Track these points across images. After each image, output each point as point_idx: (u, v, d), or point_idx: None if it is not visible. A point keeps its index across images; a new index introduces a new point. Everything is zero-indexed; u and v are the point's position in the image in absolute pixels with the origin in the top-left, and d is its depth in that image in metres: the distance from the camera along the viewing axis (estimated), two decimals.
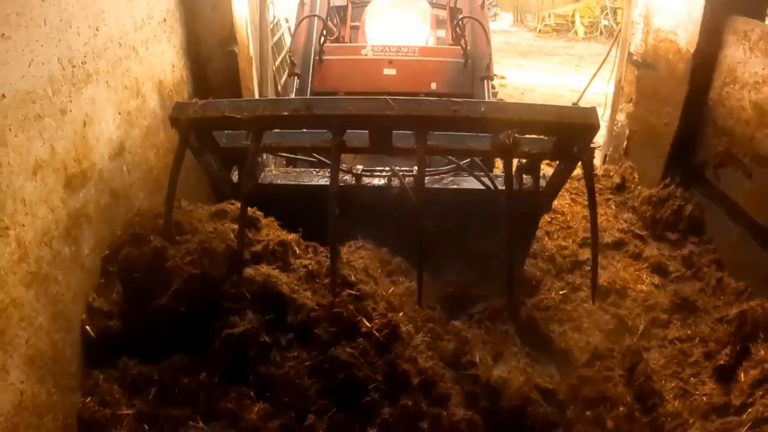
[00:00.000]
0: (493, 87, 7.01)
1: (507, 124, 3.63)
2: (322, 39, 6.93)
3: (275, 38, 10.15)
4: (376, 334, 3.63)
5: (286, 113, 3.72)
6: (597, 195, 7.39)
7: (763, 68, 5.45)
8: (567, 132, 3.83)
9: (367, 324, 3.65)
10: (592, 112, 3.65)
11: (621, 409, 3.93)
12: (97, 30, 3.83)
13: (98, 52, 3.85)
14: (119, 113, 4.16)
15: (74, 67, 3.55)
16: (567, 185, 7.73)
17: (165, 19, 5.06)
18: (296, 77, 6.66)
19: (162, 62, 5.02)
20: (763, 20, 6.15)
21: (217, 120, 3.83)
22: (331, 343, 3.59)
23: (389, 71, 6.81)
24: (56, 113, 3.35)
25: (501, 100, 6.61)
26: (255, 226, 4.15)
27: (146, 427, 3.42)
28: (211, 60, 5.86)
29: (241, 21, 6.21)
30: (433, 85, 6.82)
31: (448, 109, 3.65)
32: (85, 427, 3.39)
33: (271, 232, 4.16)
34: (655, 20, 7.12)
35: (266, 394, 3.50)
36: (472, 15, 7.32)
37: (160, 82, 4.92)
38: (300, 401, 3.47)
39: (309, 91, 6.68)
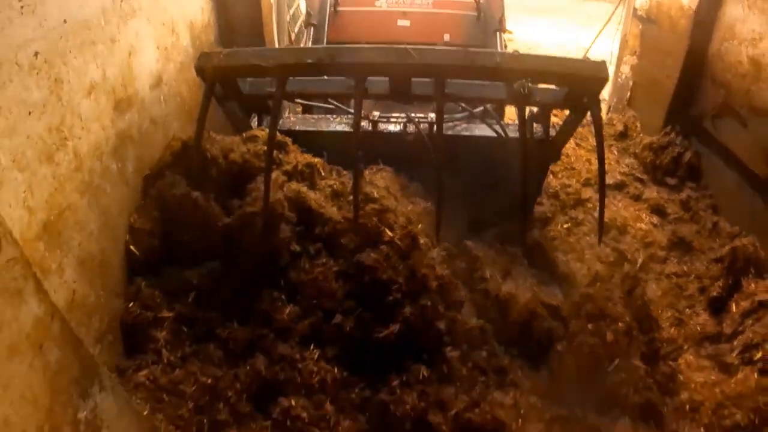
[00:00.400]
0: (505, 41, 7.05)
1: (522, 73, 3.83)
2: None
3: None
4: (398, 242, 3.93)
5: (310, 61, 3.84)
6: None
7: (760, 25, 5.68)
8: (578, 83, 4.04)
9: (389, 233, 3.95)
10: (602, 65, 3.85)
11: (620, 324, 4.15)
12: None
13: None
14: (158, 48, 4.48)
15: (122, 1, 3.86)
16: None
17: None
18: (312, 27, 6.74)
19: (193, 4, 5.32)
20: None
21: (244, 68, 4.04)
22: (356, 251, 3.92)
23: (403, 23, 6.87)
24: (107, 41, 3.67)
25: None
26: (284, 149, 4.46)
27: (185, 329, 3.77)
28: (235, 5, 6.11)
29: None
30: (447, 37, 6.86)
31: (467, 58, 3.83)
32: (128, 329, 3.71)
33: (298, 155, 4.47)
34: None
35: (296, 297, 3.84)
36: None
37: (191, 23, 5.22)
38: (328, 303, 3.81)
39: (324, 41, 6.70)
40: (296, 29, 9.07)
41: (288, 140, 4.58)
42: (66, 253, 3.17)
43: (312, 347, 3.76)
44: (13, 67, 2.74)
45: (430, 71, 3.99)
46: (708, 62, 6.56)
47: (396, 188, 4.66)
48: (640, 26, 7.85)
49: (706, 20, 6.48)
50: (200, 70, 3.92)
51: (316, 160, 4.50)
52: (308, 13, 6.83)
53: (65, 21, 3.18)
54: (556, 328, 4.22)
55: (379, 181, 4.57)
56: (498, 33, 6.76)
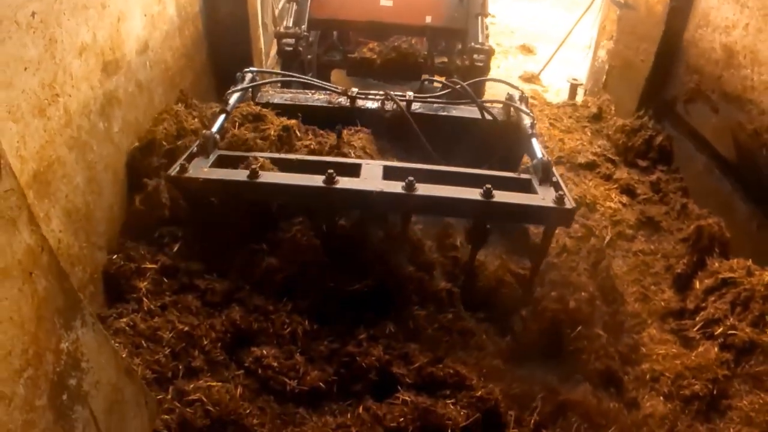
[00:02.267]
0: (486, 26, 7.11)
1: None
2: None
3: None
4: None
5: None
6: (574, 122, 7.85)
7: (734, 14, 5.89)
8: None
9: None
10: (571, 212, 4.07)
11: (583, 294, 4.30)
12: None
13: None
14: (145, 15, 4.66)
15: None
16: (547, 111, 8.21)
17: None
18: (294, 3, 6.79)
19: None
20: None
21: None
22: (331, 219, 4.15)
23: (386, 2, 6.94)
24: (98, 6, 3.86)
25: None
26: (262, 120, 4.63)
27: (165, 279, 3.96)
28: None
29: None
30: (428, 19, 6.97)
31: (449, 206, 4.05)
32: (110, 280, 3.90)
33: (274, 119, 4.67)
34: None
35: (276, 253, 4.02)
36: None
37: None
38: (304, 257, 4.00)
39: (306, 18, 6.75)
40: (279, 5, 9.15)
41: (266, 111, 4.74)
42: (53, 203, 3.34)
43: (285, 300, 3.94)
44: (12, 24, 2.91)
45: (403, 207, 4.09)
46: (682, 48, 6.77)
47: (372, 149, 4.78)
48: (618, 11, 8.05)
49: (681, 6, 6.71)
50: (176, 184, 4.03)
51: (292, 122, 4.64)
52: None
53: None
54: (522, 295, 4.39)
55: (357, 142, 4.69)
56: (480, 17, 6.86)
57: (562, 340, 4.16)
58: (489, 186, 3.91)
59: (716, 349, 4.26)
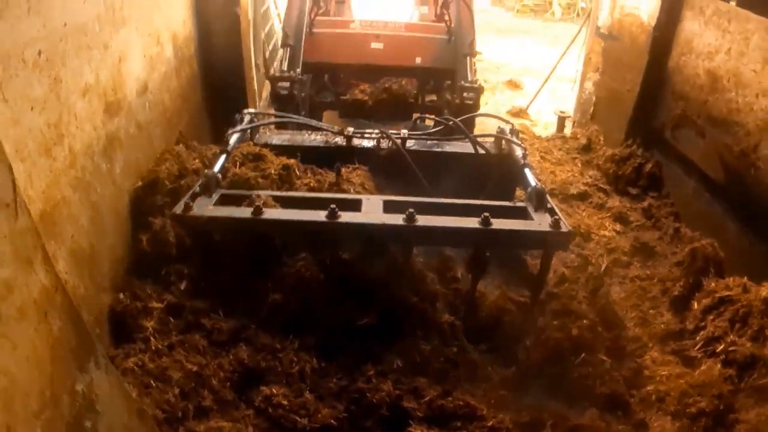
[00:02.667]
0: (474, 64, 7.25)
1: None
2: (313, 13, 7.17)
3: (263, 9, 10.46)
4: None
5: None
6: (564, 154, 7.93)
7: (716, 39, 6.03)
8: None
9: None
10: (569, 236, 4.23)
11: (585, 321, 4.33)
12: None
13: (131, 0, 4.40)
14: (144, 56, 4.70)
15: (114, 10, 4.10)
16: (537, 145, 8.29)
17: None
18: (288, 48, 6.85)
19: (177, 17, 5.56)
20: None
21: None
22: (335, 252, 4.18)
23: (376, 45, 7.10)
24: (101, 47, 3.89)
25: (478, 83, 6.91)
26: (262, 159, 4.70)
27: (172, 319, 3.95)
28: (215, 19, 6.35)
29: None
30: (418, 60, 7.13)
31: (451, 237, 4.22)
32: (117, 319, 3.88)
33: (274, 159, 4.75)
34: None
35: (280, 289, 4.04)
36: None
37: (174, 35, 5.46)
38: (308, 292, 4.03)
39: (300, 61, 6.85)
40: (269, 47, 9.23)
41: (266, 151, 4.81)
42: (60, 244, 3.32)
43: (291, 337, 3.95)
44: (19, 62, 2.93)
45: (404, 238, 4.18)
46: (667, 76, 6.90)
47: (371, 185, 4.86)
48: (603, 44, 8.20)
49: (665, 36, 6.85)
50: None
51: (292, 161, 4.73)
52: (285, 34, 6.95)
53: (65, 24, 3.39)
54: (524, 322, 4.41)
55: (355, 178, 4.78)
56: (468, 57, 6.98)
57: (567, 368, 4.16)
58: (487, 214, 4.03)
59: (719, 365, 4.29)
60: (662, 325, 5.02)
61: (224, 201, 4.24)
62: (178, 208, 4.05)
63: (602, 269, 5.69)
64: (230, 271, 4.10)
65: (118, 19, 4.16)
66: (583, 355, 4.18)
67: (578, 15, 23.79)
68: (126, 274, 4.08)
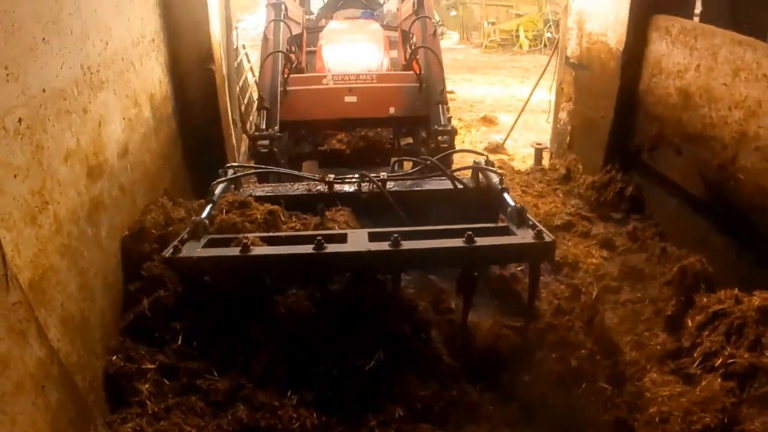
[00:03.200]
0: (448, 110, 7.30)
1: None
2: (286, 71, 7.28)
3: (236, 62, 10.55)
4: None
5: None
6: (545, 186, 7.98)
7: (684, 58, 6.15)
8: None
9: None
10: (551, 245, 4.31)
11: (583, 351, 4.33)
12: (107, 44, 4.42)
13: (108, 63, 4.43)
14: (123, 118, 4.71)
15: (92, 73, 4.11)
16: (517, 179, 8.35)
17: (153, 39, 5.64)
18: (265, 110, 6.90)
19: (152, 77, 5.58)
20: (689, 18, 6.83)
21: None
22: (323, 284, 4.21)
23: (350, 99, 7.19)
24: (80, 111, 3.89)
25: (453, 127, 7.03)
26: (247, 206, 4.76)
27: (167, 381, 3.88)
28: (190, 77, 6.42)
29: (216, 43, 6.77)
30: (392, 110, 7.23)
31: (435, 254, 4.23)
32: (112, 382, 3.81)
33: (258, 206, 4.79)
34: (588, 25, 7.85)
35: (272, 335, 4.05)
36: (425, 43, 7.65)
37: (152, 95, 5.48)
38: (303, 328, 4.05)
39: (278, 121, 6.87)
40: (245, 101, 9.28)
41: (251, 198, 4.87)
42: (50, 312, 3.27)
43: (289, 393, 3.89)
44: (0, 130, 2.93)
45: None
46: (639, 98, 7.00)
47: (355, 224, 4.88)
48: (573, 73, 8.32)
49: (634, 59, 6.95)
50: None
51: (276, 207, 4.77)
52: (260, 98, 6.99)
53: (44, 90, 3.39)
54: (522, 346, 4.43)
55: (339, 218, 4.84)
56: (440, 105, 7.07)
57: (569, 399, 4.14)
58: (470, 233, 4.12)
59: (719, 379, 4.24)
60: (658, 346, 4.99)
61: (213, 244, 4.29)
62: (167, 252, 4.12)
63: (593, 297, 5.63)
64: (221, 317, 4.09)
65: (96, 82, 4.17)
66: (584, 385, 4.17)
67: (545, 46, 24.20)
68: (118, 336, 4.01)
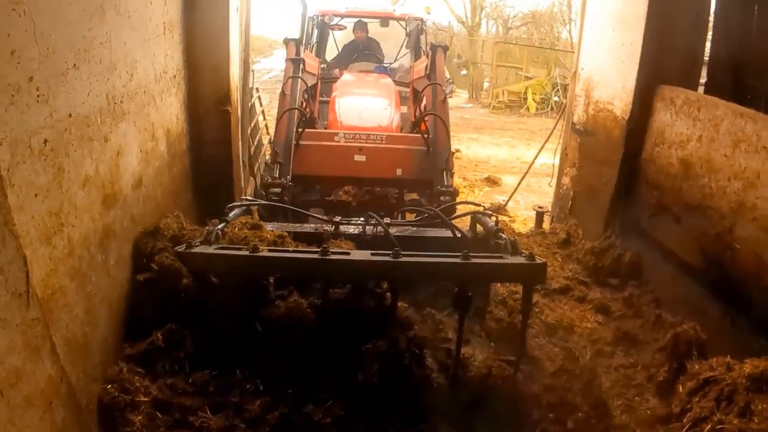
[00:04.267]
0: (452, 175, 7.64)
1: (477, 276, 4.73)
2: (300, 126, 7.52)
3: (249, 105, 10.71)
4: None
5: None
6: (545, 249, 8.05)
7: (687, 128, 6.28)
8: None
9: None
10: (542, 267, 4.56)
11: (580, 414, 4.44)
12: (132, 76, 4.57)
13: (131, 95, 4.57)
14: (140, 151, 4.84)
15: (115, 103, 4.25)
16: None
17: (175, 76, 5.80)
18: (278, 165, 7.10)
19: (170, 113, 5.73)
20: (694, 88, 6.98)
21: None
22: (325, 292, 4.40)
23: (360, 158, 7.43)
24: (101, 139, 4.02)
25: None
26: (259, 228, 5.01)
27: (159, 414, 3.93)
28: (206, 116, 6.58)
29: (234, 85, 6.94)
30: (399, 171, 7.47)
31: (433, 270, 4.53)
32: (105, 411, 3.84)
33: (268, 233, 4.98)
34: (595, 93, 8.02)
35: (269, 346, 4.22)
36: (434, 109, 7.83)
37: (168, 131, 5.62)
38: (301, 335, 4.22)
39: (290, 174, 7.12)
40: (254, 144, 9.39)
41: (261, 223, 5.15)
42: (55, 332, 3.28)
43: None
44: (26, 149, 3.03)
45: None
46: (641, 167, 7.11)
47: None
48: (578, 139, 8.47)
49: (638, 128, 7.08)
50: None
51: (284, 233, 5.01)
52: (274, 152, 7.20)
53: (70, 115, 3.52)
54: (515, 383, 4.61)
55: (344, 246, 5.09)
56: (445, 172, 7.28)
57: None
58: (466, 251, 4.40)
59: None
60: (648, 411, 5.02)
61: (223, 249, 4.52)
62: (180, 248, 4.40)
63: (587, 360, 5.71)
64: (221, 326, 4.28)
65: (118, 112, 4.30)
66: None
67: (552, 109, 24.41)
68: (116, 364, 4.06)
